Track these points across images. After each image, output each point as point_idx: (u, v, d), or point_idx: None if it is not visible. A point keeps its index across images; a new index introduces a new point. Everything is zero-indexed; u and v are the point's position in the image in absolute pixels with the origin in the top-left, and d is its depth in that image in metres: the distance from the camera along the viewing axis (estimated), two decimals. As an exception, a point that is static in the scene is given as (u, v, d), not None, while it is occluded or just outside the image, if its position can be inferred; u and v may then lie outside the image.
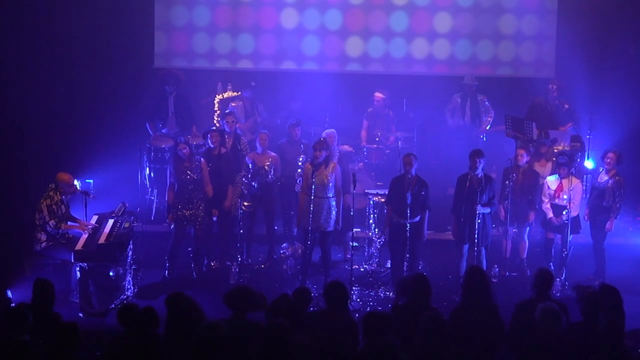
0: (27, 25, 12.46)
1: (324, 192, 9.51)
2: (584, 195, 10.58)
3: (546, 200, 10.01)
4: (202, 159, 10.04)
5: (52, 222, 9.07)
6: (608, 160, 9.88)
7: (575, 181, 9.97)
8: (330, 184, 9.54)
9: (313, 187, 9.39)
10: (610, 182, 9.82)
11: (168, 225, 10.11)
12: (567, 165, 9.91)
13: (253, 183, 10.22)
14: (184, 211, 9.89)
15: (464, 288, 7.06)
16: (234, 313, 6.51)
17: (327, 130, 10.51)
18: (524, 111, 11.76)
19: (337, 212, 9.64)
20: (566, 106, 11.93)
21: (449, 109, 12.44)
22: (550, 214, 9.95)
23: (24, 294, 7.33)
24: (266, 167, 10.29)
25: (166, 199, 10.13)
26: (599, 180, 10.04)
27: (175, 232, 10.00)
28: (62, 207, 9.26)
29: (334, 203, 9.59)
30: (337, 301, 6.79)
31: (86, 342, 6.41)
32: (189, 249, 10.19)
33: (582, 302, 6.77)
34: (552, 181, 10.05)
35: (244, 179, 10.29)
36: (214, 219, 10.21)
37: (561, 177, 9.96)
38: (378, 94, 12.37)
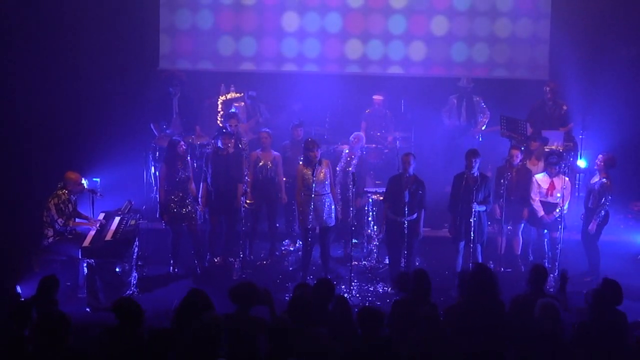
0: (35, 29, 12.46)
1: (322, 189, 9.54)
2: (576, 194, 10.58)
3: (536, 198, 10.01)
4: (189, 159, 10.08)
5: (60, 220, 9.12)
6: (598, 162, 9.92)
7: (566, 180, 9.98)
8: (327, 181, 9.58)
9: (314, 185, 9.41)
10: (597, 184, 9.84)
11: (161, 223, 10.10)
12: (557, 164, 9.92)
13: (260, 178, 10.26)
14: (177, 209, 9.90)
15: (470, 285, 6.88)
16: (238, 308, 6.51)
17: (356, 133, 10.76)
18: (518, 112, 11.74)
19: (336, 207, 9.68)
20: (565, 107, 11.92)
21: (446, 110, 12.44)
22: (542, 212, 9.95)
23: (33, 289, 7.33)
24: (269, 165, 10.31)
25: (158, 199, 10.11)
26: (591, 181, 10.07)
27: (171, 231, 10.01)
28: (70, 205, 9.29)
29: (332, 199, 9.64)
30: (325, 296, 6.80)
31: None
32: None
33: (590, 300, 6.75)
34: (541, 179, 10.05)
35: (246, 178, 10.31)
36: (199, 214, 10.18)
37: (551, 176, 9.96)
38: (377, 97, 12.39)
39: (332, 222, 9.66)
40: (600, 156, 9.94)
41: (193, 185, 10.05)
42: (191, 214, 9.98)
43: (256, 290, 6.60)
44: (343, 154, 10.65)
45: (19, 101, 12.37)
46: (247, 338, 6.24)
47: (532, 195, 10.02)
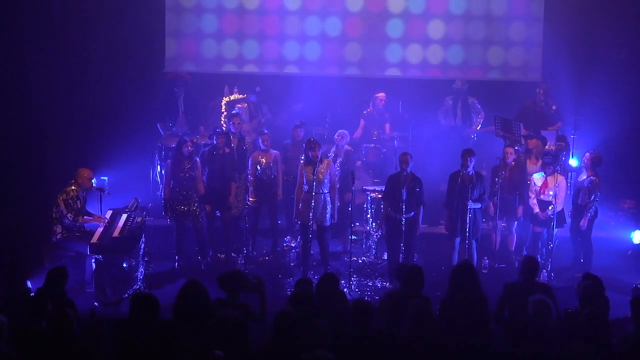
0: (47, 34, 12.44)
1: (320, 188, 9.50)
2: (568, 192, 10.57)
3: (532, 196, 10.00)
4: (197, 158, 10.03)
5: (70, 215, 9.11)
6: (584, 160, 9.94)
7: (560, 178, 9.98)
8: (326, 181, 9.54)
9: (314, 183, 9.38)
10: (586, 182, 9.82)
11: (166, 220, 10.10)
12: (552, 164, 9.91)
13: (264, 177, 10.25)
14: (181, 207, 9.89)
15: (451, 282, 6.95)
16: (228, 295, 6.55)
17: (340, 131, 10.71)
18: (512, 112, 11.74)
19: (332, 207, 9.62)
20: (554, 107, 11.94)
21: (442, 111, 12.42)
22: (537, 209, 9.94)
23: (42, 284, 7.32)
24: (271, 164, 10.30)
25: (162, 195, 10.10)
26: (579, 179, 10.07)
27: (175, 227, 10.03)
28: (78, 202, 9.28)
29: (329, 198, 9.59)
30: (329, 290, 6.78)
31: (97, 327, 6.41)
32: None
33: (581, 293, 6.76)
34: (537, 178, 10.05)
35: (249, 176, 10.30)
36: (217, 213, 10.18)
37: (546, 175, 9.95)
38: (381, 94, 12.33)
39: (327, 222, 9.61)
40: (587, 154, 9.97)
41: (202, 185, 10.00)
42: (196, 212, 9.96)
43: (243, 278, 6.65)
44: (330, 152, 10.57)
45: (32, 103, 12.35)
46: (237, 324, 6.15)
47: (529, 193, 10.02)
